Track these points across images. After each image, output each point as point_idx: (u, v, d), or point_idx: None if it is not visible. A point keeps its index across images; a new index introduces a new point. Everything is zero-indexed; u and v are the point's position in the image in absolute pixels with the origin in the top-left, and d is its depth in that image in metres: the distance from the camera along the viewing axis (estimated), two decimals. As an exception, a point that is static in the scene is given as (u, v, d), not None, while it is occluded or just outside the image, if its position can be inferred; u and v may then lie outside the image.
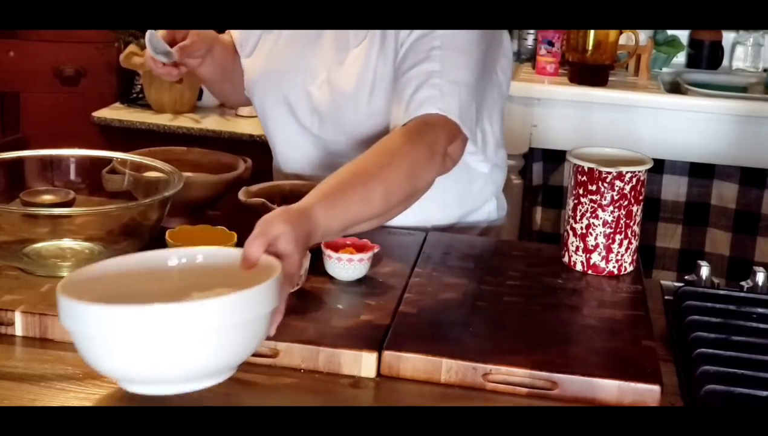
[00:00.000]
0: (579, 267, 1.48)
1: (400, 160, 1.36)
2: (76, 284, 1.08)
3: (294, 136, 1.69)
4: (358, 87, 1.58)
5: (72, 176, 1.60)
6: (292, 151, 1.71)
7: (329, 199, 1.26)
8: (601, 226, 1.45)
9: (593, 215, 1.46)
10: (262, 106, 1.72)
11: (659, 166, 2.92)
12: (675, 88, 3.04)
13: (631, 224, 1.47)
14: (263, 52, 1.71)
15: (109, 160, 1.57)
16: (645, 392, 1.15)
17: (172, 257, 1.18)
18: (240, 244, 1.36)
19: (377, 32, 1.57)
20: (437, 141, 1.42)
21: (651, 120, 2.81)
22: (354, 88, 1.59)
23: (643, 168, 1.46)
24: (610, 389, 1.15)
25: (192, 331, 0.99)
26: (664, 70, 3.18)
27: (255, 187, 1.54)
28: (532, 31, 3.21)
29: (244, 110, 2.93)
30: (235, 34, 1.75)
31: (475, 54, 1.52)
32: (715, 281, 1.48)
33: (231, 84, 1.76)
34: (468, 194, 1.73)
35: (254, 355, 1.17)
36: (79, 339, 1.03)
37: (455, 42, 1.50)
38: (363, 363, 1.18)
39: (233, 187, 1.61)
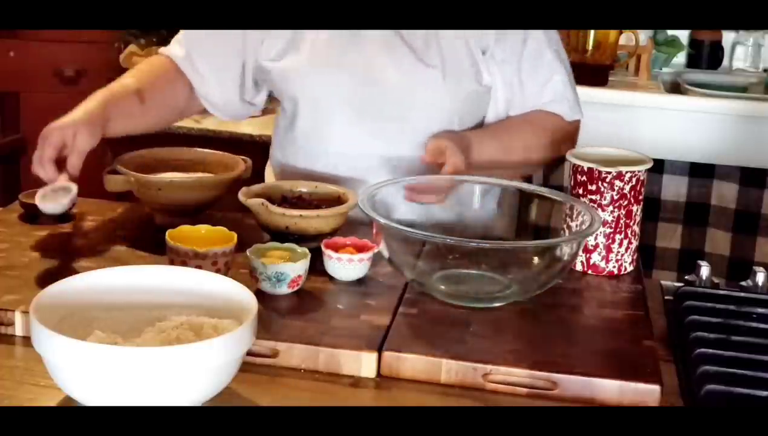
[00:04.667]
0: (579, 267, 1.48)
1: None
2: (54, 297, 1.10)
3: (356, 124, 1.71)
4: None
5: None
6: (350, 147, 1.72)
7: (482, 136, 1.69)
8: (600, 226, 1.45)
9: (593, 215, 1.45)
10: (316, 103, 1.73)
11: (659, 166, 2.91)
12: (675, 88, 3.04)
13: (631, 223, 1.47)
14: (303, 52, 1.71)
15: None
16: (645, 392, 1.15)
17: (152, 274, 1.19)
18: (240, 243, 1.37)
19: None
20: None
21: (651, 120, 2.80)
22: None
23: (643, 168, 1.46)
24: (610, 389, 1.15)
25: (158, 375, 0.99)
26: (664, 70, 3.18)
27: (255, 187, 1.54)
28: (532, 31, 3.20)
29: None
30: (254, 36, 1.75)
31: None
32: (715, 281, 1.48)
33: (147, 126, 1.76)
34: None
35: (254, 355, 1.17)
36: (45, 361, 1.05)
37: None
38: (363, 363, 1.18)
39: (233, 187, 1.61)
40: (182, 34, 1.79)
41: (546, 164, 1.85)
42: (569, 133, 1.79)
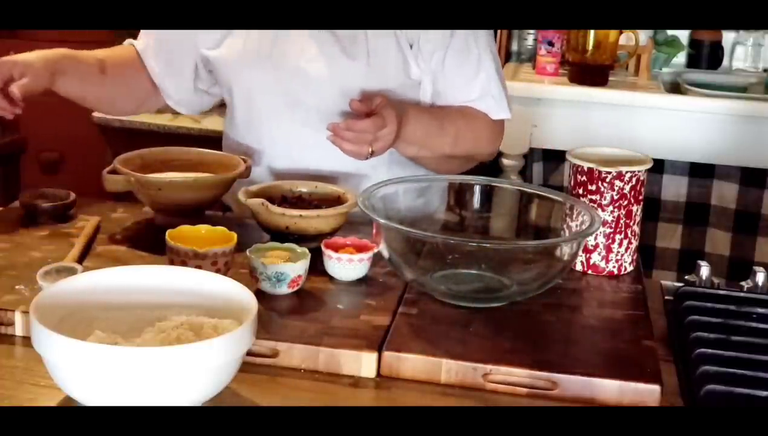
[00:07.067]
0: (579, 267, 1.48)
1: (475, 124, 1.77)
2: (54, 297, 1.10)
3: (286, 116, 1.75)
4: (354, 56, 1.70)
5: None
6: (282, 136, 1.76)
7: (419, 111, 1.71)
8: (600, 226, 1.45)
9: (593, 215, 1.45)
10: (249, 93, 1.77)
11: (659, 166, 2.92)
12: (675, 88, 3.04)
13: (631, 223, 1.47)
14: (238, 40, 1.75)
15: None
16: (645, 392, 1.15)
17: (152, 274, 1.19)
18: (240, 243, 1.37)
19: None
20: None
21: (651, 120, 2.81)
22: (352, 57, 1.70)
23: (643, 168, 1.46)
24: (610, 389, 1.15)
25: (158, 374, 0.99)
26: (664, 70, 3.18)
27: (255, 187, 1.54)
28: (532, 31, 3.21)
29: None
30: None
31: None
32: (715, 281, 1.48)
33: (100, 99, 1.81)
34: None
35: (254, 355, 1.17)
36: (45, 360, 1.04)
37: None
38: (363, 363, 1.18)
39: (233, 187, 1.61)
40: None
41: (469, 161, 1.83)
42: (495, 132, 1.81)
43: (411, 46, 1.72)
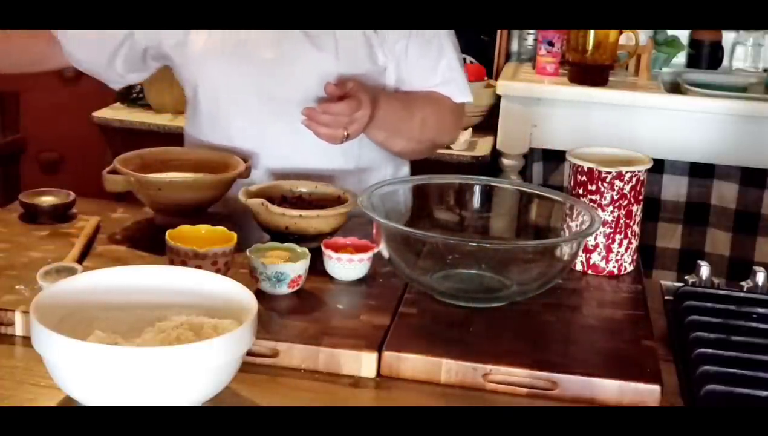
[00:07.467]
0: (579, 267, 1.48)
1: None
2: (54, 297, 1.10)
3: (257, 110, 1.75)
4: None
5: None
6: (252, 129, 1.76)
7: (389, 97, 1.73)
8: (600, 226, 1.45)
9: (593, 215, 1.45)
10: (216, 89, 1.77)
11: (659, 166, 2.92)
12: (675, 88, 3.04)
13: (631, 223, 1.47)
14: (201, 36, 1.74)
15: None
16: (645, 392, 1.15)
17: (152, 274, 1.19)
18: (240, 243, 1.37)
19: None
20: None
21: (651, 120, 2.81)
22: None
23: (643, 168, 1.46)
24: (610, 389, 1.15)
25: (158, 374, 0.99)
26: (664, 70, 3.18)
27: (255, 187, 1.54)
28: (532, 31, 3.20)
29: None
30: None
31: None
32: (715, 281, 1.48)
33: None
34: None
35: (254, 355, 1.17)
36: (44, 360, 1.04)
37: None
38: (363, 363, 1.18)
39: (233, 187, 1.61)
40: None
41: (432, 147, 1.90)
42: (457, 117, 1.87)
43: (376, 33, 1.74)
